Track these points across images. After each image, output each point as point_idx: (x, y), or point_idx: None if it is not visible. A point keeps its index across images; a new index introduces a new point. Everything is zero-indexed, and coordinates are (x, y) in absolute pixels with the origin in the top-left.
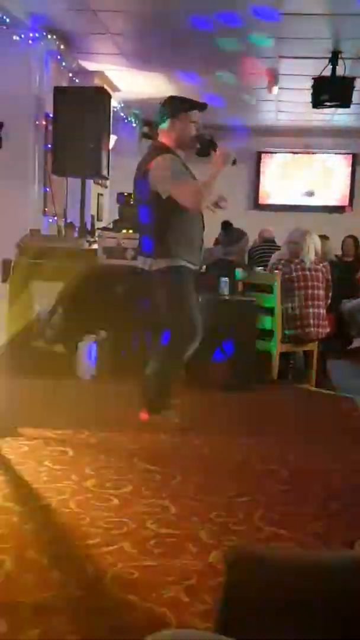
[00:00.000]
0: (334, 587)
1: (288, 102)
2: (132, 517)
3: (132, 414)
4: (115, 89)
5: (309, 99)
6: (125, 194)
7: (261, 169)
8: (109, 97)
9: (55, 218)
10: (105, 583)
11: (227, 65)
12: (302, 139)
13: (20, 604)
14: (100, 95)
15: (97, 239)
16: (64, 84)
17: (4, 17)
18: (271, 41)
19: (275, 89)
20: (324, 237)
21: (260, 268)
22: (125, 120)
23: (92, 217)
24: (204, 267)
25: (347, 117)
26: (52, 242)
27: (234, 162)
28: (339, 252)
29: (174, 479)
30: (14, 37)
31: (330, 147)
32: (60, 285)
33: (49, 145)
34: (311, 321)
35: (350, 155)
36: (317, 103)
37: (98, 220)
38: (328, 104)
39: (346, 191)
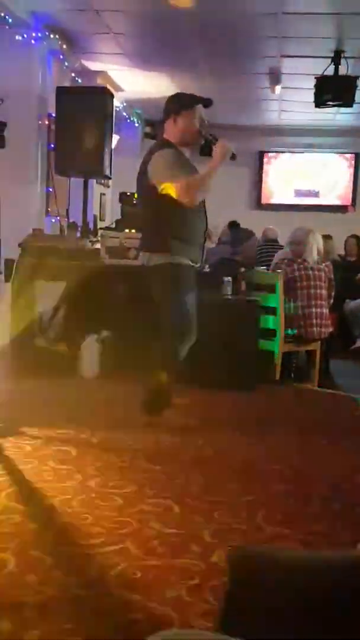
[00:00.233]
0: (338, 587)
1: (291, 101)
2: (135, 516)
3: (135, 413)
4: (118, 89)
5: (312, 98)
6: (128, 193)
7: (264, 169)
8: (112, 96)
9: (58, 218)
10: (108, 582)
11: (229, 65)
12: (305, 139)
13: (23, 604)
14: (102, 95)
15: (99, 238)
16: (67, 83)
17: (7, 17)
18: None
19: (277, 89)
20: (326, 237)
21: (263, 267)
22: (128, 120)
23: (95, 216)
24: (207, 266)
25: (350, 116)
26: (55, 242)
27: (233, 157)
28: (342, 252)
29: (177, 479)
30: (17, 37)
31: (333, 147)
32: (63, 285)
33: (52, 145)
34: (314, 321)
35: (353, 155)
36: (319, 102)
37: (100, 220)
38: (331, 103)
39: (349, 191)
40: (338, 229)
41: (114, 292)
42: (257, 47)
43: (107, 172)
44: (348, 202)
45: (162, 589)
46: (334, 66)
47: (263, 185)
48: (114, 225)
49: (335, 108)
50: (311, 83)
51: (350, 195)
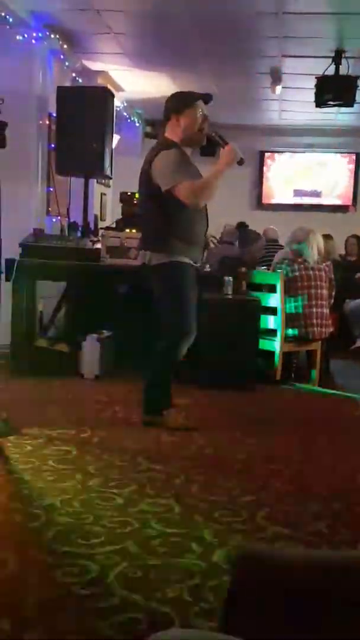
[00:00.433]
0: (339, 587)
1: (291, 101)
2: (136, 516)
3: (136, 413)
4: (119, 89)
5: (312, 98)
6: (129, 193)
7: (265, 169)
8: (112, 96)
9: (59, 217)
10: (109, 582)
11: (230, 65)
12: (306, 138)
13: (24, 603)
14: (103, 95)
15: (100, 238)
16: (67, 83)
17: (7, 17)
18: None
19: (278, 89)
20: (327, 237)
21: (263, 267)
22: (129, 120)
23: (96, 216)
24: (208, 266)
25: (351, 116)
26: (56, 242)
27: (241, 162)
28: (343, 252)
29: (178, 478)
30: (17, 37)
31: (333, 147)
32: (64, 284)
33: (53, 145)
34: (314, 321)
35: (354, 155)
36: (320, 102)
37: (101, 219)
38: (331, 103)
39: (349, 190)
40: (338, 228)
41: (114, 292)
42: (258, 47)
43: (108, 172)
44: (348, 202)
45: (163, 589)
46: (334, 66)
47: (263, 185)
48: (114, 225)
49: (336, 108)
50: (312, 83)
51: (350, 195)
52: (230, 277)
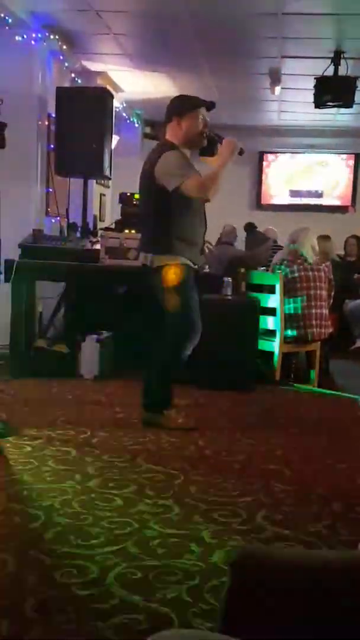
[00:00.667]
0: (339, 588)
1: (290, 102)
2: (135, 517)
3: (135, 413)
4: (118, 89)
5: (312, 99)
6: (128, 194)
7: (264, 169)
8: (112, 97)
9: (58, 218)
10: (109, 583)
11: (229, 65)
12: (305, 139)
13: (23, 604)
14: (102, 96)
15: (99, 239)
16: (67, 84)
17: (7, 18)
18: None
19: (277, 89)
20: (325, 237)
21: (262, 268)
22: (128, 121)
23: (95, 217)
24: (207, 267)
25: (350, 117)
26: (55, 243)
27: (241, 152)
28: (342, 252)
29: (177, 479)
30: (17, 38)
31: (332, 147)
32: (63, 285)
33: (52, 146)
34: (314, 321)
35: (353, 155)
36: (319, 103)
37: (100, 220)
38: (330, 104)
39: (349, 191)
40: (338, 229)
41: (113, 293)
42: (257, 48)
43: (107, 173)
44: (348, 202)
45: (162, 590)
46: (333, 67)
47: (263, 185)
48: (114, 226)
49: (335, 109)
50: (311, 84)
51: (350, 196)
52: (229, 278)
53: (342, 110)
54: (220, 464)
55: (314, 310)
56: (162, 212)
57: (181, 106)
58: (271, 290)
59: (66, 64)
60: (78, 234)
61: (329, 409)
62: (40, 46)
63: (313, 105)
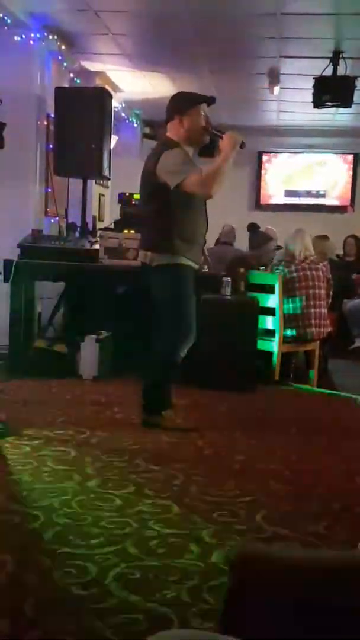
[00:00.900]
0: (338, 587)
1: (289, 102)
2: (134, 517)
3: (135, 413)
4: (117, 90)
5: (311, 98)
6: (127, 194)
7: (263, 169)
8: (110, 97)
9: (57, 218)
10: (108, 583)
11: (228, 65)
12: (304, 139)
13: (23, 604)
14: (101, 96)
15: (98, 239)
16: (66, 84)
17: (6, 18)
18: None
19: (276, 89)
20: (323, 237)
21: (262, 268)
22: (127, 121)
23: (94, 217)
24: (206, 267)
25: (349, 117)
26: (54, 243)
27: (243, 145)
28: (341, 252)
29: (176, 479)
30: (16, 38)
31: (331, 147)
32: (62, 285)
33: (51, 146)
34: (312, 321)
35: (352, 155)
36: (318, 103)
37: (99, 220)
38: (329, 103)
39: (347, 191)
40: (337, 229)
41: (112, 293)
42: (256, 48)
43: (106, 173)
44: (347, 202)
45: (162, 590)
46: (332, 67)
47: (262, 185)
48: (113, 226)
49: (334, 109)
50: (310, 84)
51: (349, 196)
52: (228, 278)
53: (341, 110)
54: (219, 464)
55: (312, 310)
56: (163, 210)
57: (182, 103)
58: (270, 290)
59: (65, 64)
60: (77, 234)
61: (328, 409)
62: (39, 46)
63: (312, 105)
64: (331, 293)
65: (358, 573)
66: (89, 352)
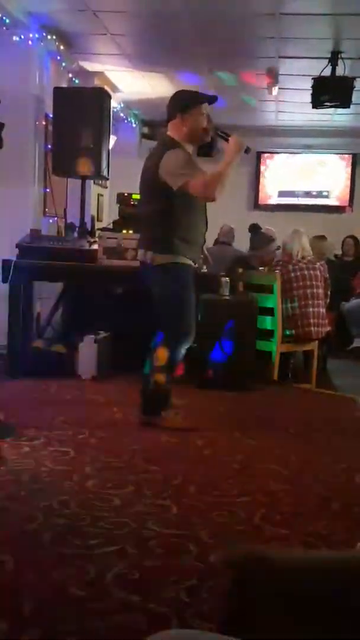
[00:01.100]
0: (337, 588)
1: (288, 102)
2: (133, 517)
3: (134, 414)
4: (116, 90)
5: (309, 99)
6: (126, 194)
7: (261, 170)
8: (109, 97)
9: (56, 218)
10: (107, 583)
11: (227, 65)
12: (303, 139)
13: (22, 605)
14: (100, 96)
15: (97, 239)
16: (64, 84)
17: (4, 18)
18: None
19: (275, 90)
20: (321, 237)
21: (261, 268)
22: (126, 121)
23: (92, 217)
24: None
25: (347, 117)
26: (53, 243)
27: (247, 151)
28: (339, 252)
29: (175, 479)
30: (14, 38)
31: (330, 148)
32: (61, 285)
33: (49, 146)
34: (311, 320)
35: (350, 156)
36: (317, 103)
37: (98, 220)
38: (328, 104)
39: (346, 191)
40: (335, 229)
41: (111, 293)
42: (255, 48)
43: (105, 173)
44: (345, 202)
45: (161, 590)
46: (331, 67)
47: (260, 185)
48: (111, 226)
49: (333, 109)
50: (308, 84)
51: (347, 196)
52: (227, 278)
53: (340, 110)
54: (218, 464)
55: (311, 309)
56: (164, 210)
57: (184, 102)
58: (269, 290)
59: (63, 64)
60: (76, 234)
61: (327, 409)
62: (37, 46)
63: (310, 105)
64: (329, 293)
65: (358, 573)
66: (87, 352)
